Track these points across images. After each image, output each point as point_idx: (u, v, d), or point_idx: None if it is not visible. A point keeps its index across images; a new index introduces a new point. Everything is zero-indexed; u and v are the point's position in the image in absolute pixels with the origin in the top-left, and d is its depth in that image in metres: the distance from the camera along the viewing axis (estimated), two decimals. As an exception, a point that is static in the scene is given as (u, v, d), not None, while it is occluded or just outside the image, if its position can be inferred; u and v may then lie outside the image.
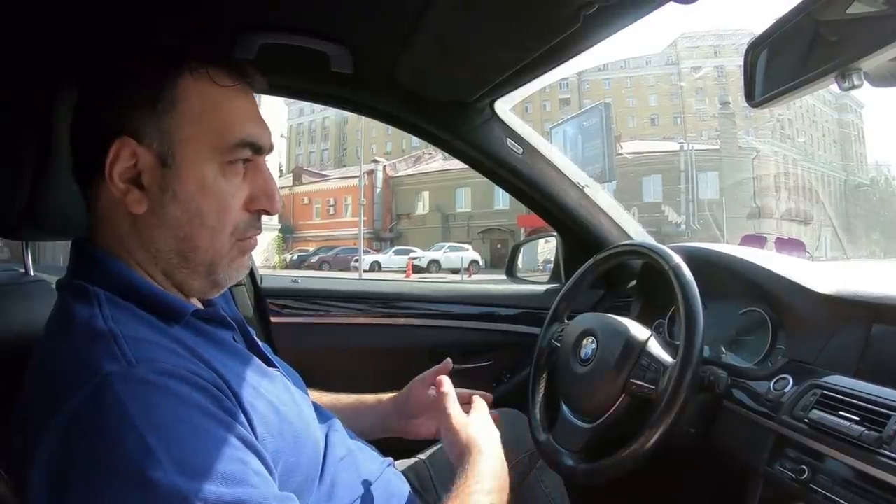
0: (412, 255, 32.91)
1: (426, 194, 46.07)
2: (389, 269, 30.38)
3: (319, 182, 49.33)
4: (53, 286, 0.91)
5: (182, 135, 0.84)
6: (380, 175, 46.65)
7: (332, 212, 46.83)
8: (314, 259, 34.35)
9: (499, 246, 40.30)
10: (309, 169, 55.95)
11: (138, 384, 0.68)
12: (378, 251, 38.46)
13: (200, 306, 0.96)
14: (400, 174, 48.16)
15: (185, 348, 0.79)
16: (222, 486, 0.66)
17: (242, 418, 0.77)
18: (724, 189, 37.91)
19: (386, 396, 1.40)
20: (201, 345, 0.83)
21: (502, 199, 40.27)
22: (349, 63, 1.55)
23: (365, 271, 28.54)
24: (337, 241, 40.22)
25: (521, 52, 1.43)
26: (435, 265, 31.80)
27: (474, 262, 33.17)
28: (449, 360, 1.35)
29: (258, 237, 0.94)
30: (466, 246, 35.44)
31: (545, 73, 1.54)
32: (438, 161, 45.41)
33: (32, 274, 1.18)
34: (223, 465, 0.67)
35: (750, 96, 1.01)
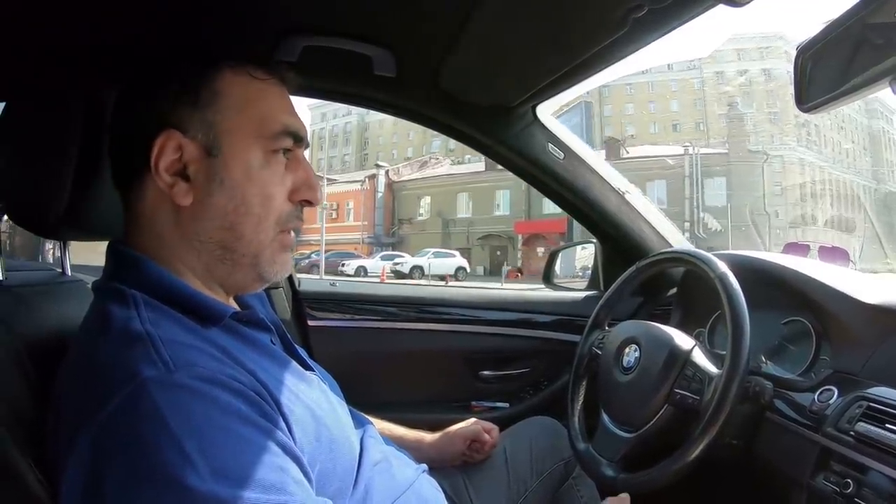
0: (395, 260, 32.91)
1: (427, 199, 46.00)
2: (375, 274, 29.99)
3: (325, 186, 49.74)
4: (90, 286, 0.93)
5: (226, 125, 0.87)
6: (382, 180, 46.82)
7: (334, 216, 46.98)
8: (304, 262, 34.47)
9: (498, 253, 39.91)
10: (318, 174, 56.62)
11: (176, 390, 0.69)
12: (370, 256, 38.40)
13: (238, 309, 0.97)
14: (403, 179, 48.25)
15: (224, 352, 0.79)
16: (261, 493, 0.66)
17: (282, 423, 0.77)
18: (731, 195, 36.62)
19: (427, 439, 1.44)
20: (240, 348, 0.84)
21: (503, 204, 40.12)
22: (392, 66, 1.55)
23: (350, 276, 28.69)
24: (339, 246, 40.50)
25: (566, 57, 1.42)
26: (418, 271, 31.59)
27: (461, 269, 32.94)
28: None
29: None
30: (454, 252, 35.14)
31: (589, 77, 1.53)
32: (445, 166, 45.23)
33: (70, 274, 1.20)
34: (262, 473, 0.67)
35: (800, 101, 1.00)
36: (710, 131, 53.25)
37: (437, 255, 33.84)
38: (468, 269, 34.18)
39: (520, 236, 38.38)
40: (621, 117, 57.70)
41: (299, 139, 0.93)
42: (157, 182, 0.86)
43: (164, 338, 0.74)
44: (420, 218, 46.06)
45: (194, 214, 0.87)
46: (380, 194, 46.89)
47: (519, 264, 36.90)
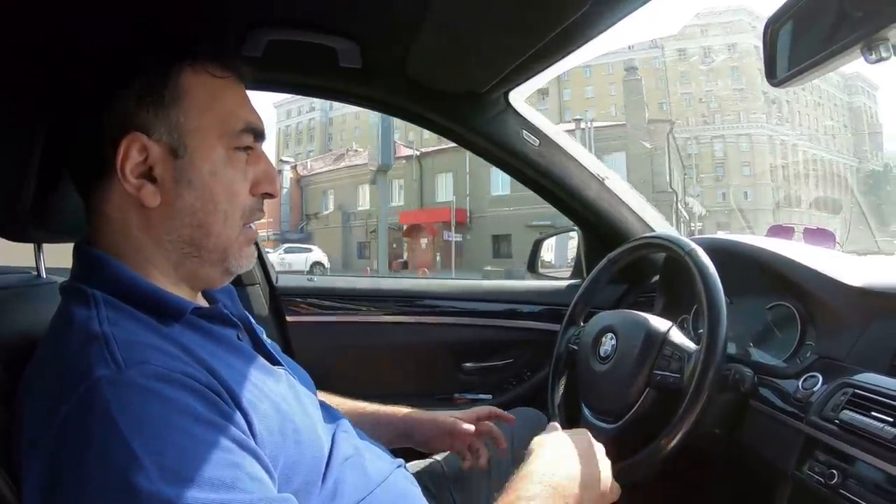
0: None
1: (332, 193, 45.80)
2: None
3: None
4: None
5: (190, 125, 0.87)
6: (287, 175, 46.89)
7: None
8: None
9: (394, 245, 38.46)
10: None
11: (127, 388, 0.68)
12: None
13: (204, 304, 0.97)
14: (312, 173, 48.27)
15: (182, 349, 0.78)
16: (210, 492, 0.64)
17: (240, 419, 0.75)
18: (629, 171, 33.43)
19: (401, 413, 1.39)
20: (201, 344, 0.83)
21: (398, 195, 39.46)
22: (358, 58, 1.54)
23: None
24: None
25: (530, 38, 1.39)
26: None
27: (317, 263, 32.07)
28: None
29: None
30: (311, 247, 34.61)
31: (558, 60, 1.50)
32: (363, 157, 45.12)
33: (45, 276, 1.18)
34: (213, 471, 0.66)
35: (771, 75, 0.97)
36: (672, 111, 53.29)
37: (289, 249, 33.23)
38: (326, 265, 33.13)
39: (404, 226, 38.00)
40: (581, 101, 57.63)
41: (259, 134, 0.94)
42: (122, 184, 0.85)
43: (120, 337, 0.74)
44: (325, 212, 45.90)
45: (163, 215, 0.87)
46: (285, 190, 46.73)
47: (405, 256, 36.28)
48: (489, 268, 27.89)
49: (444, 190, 37.03)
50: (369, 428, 1.27)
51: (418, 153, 38.51)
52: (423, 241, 35.17)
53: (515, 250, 32.55)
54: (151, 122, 0.85)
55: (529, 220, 31.00)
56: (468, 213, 34.23)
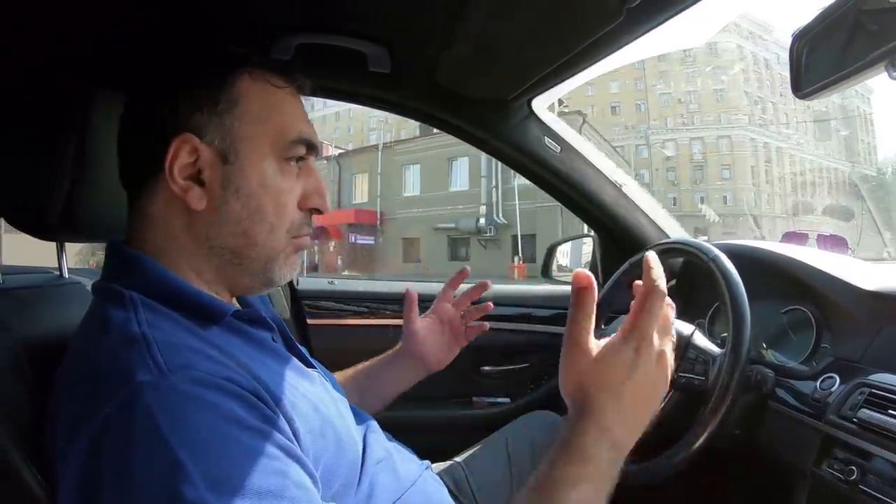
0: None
1: None
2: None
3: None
4: (89, 289, 0.91)
5: (243, 133, 0.87)
6: None
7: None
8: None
9: (316, 248, 37.02)
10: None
11: (171, 394, 0.67)
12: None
13: (238, 306, 0.97)
14: None
15: (223, 353, 0.78)
16: (256, 500, 0.64)
17: (283, 424, 0.75)
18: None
19: (395, 348, 1.48)
20: (240, 346, 0.83)
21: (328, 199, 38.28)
22: (387, 62, 1.54)
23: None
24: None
25: (561, 48, 1.41)
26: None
27: None
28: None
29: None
30: None
31: (585, 69, 1.52)
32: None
33: (67, 276, 1.19)
34: (258, 479, 0.65)
35: (797, 88, 1.00)
36: (650, 112, 52.64)
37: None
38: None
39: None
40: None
41: (312, 147, 0.93)
42: (170, 185, 0.85)
43: (161, 340, 0.73)
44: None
45: (208, 220, 0.87)
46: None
47: (315, 259, 34.41)
48: (347, 272, 28.39)
49: (361, 191, 36.07)
50: (378, 379, 1.38)
51: (338, 153, 37.67)
52: (331, 245, 34.20)
53: (424, 253, 31.94)
54: (205, 125, 0.85)
55: (436, 223, 30.54)
56: (379, 215, 33.37)
